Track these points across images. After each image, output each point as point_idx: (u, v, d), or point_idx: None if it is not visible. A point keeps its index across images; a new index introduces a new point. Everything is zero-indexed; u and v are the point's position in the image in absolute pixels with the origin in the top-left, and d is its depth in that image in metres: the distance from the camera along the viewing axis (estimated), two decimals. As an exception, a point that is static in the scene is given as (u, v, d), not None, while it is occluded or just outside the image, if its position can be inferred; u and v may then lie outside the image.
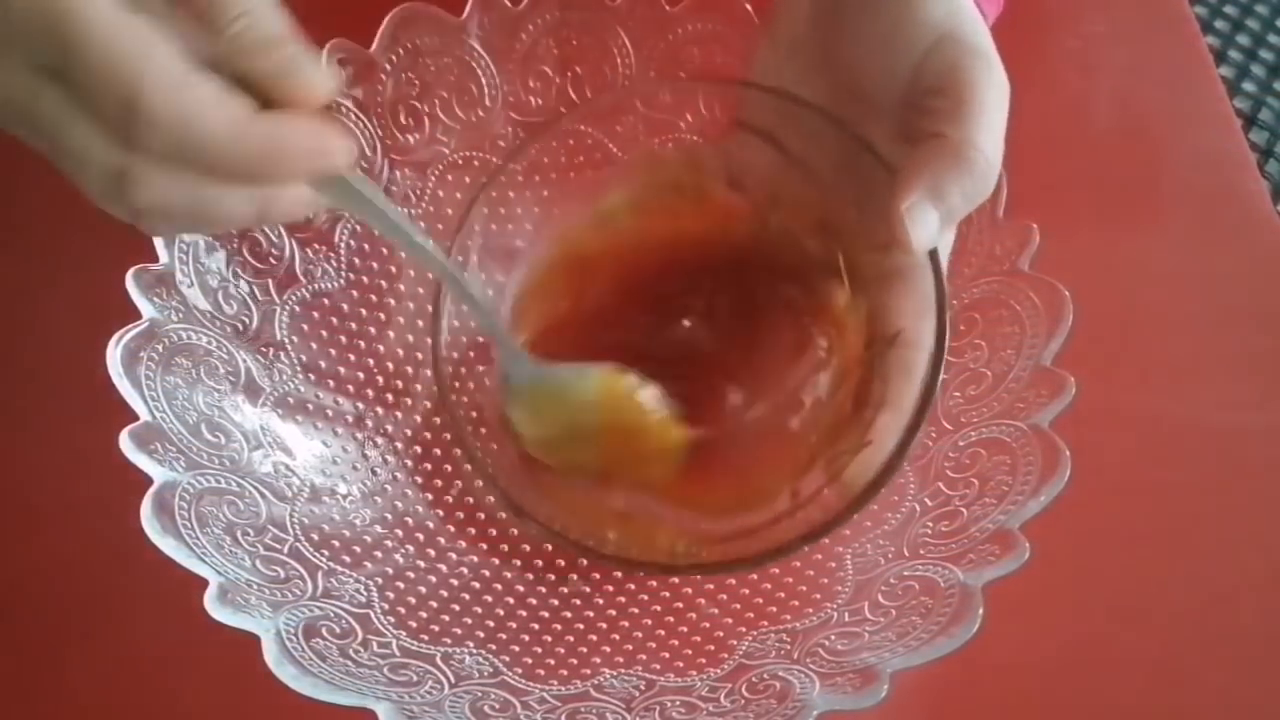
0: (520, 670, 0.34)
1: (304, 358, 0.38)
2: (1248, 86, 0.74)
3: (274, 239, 0.38)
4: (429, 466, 0.39)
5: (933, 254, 0.31)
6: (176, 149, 0.22)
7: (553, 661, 0.34)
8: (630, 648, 0.35)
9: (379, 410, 0.39)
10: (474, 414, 0.35)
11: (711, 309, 0.36)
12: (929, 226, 0.29)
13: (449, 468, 0.39)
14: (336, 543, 0.35)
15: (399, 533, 0.37)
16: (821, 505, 0.32)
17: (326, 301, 0.39)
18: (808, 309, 0.36)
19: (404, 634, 0.33)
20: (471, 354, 0.38)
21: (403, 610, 0.34)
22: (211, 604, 0.28)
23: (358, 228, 0.40)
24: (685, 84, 0.41)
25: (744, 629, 0.35)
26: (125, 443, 0.31)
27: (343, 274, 0.40)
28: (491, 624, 0.35)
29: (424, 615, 0.35)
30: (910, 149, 0.30)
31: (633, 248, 0.38)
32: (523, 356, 0.34)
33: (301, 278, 0.39)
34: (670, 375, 0.35)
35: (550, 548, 0.38)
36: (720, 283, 0.36)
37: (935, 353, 0.30)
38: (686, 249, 0.37)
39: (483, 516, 0.38)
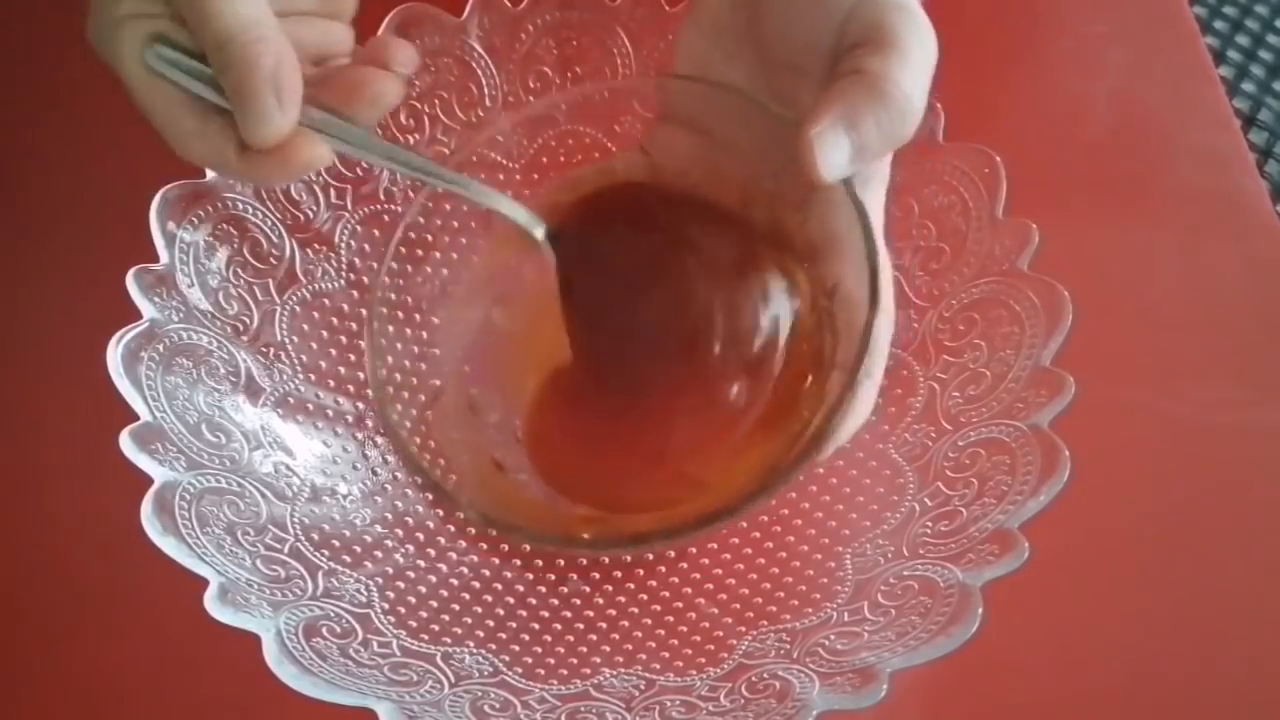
0: (520, 670, 0.34)
1: (304, 358, 0.38)
2: (1247, 86, 0.74)
3: (274, 239, 0.38)
4: (429, 466, 0.39)
5: (853, 194, 0.30)
6: (190, 160, 0.30)
7: (553, 661, 0.34)
8: (630, 648, 0.35)
9: (379, 410, 0.39)
10: (419, 440, 0.34)
11: (654, 297, 0.36)
12: (839, 154, 0.29)
13: (449, 468, 0.39)
14: (337, 542, 0.35)
15: (399, 533, 0.37)
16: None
17: (326, 301, 0.39)
18: (748, 283, 0.36)
19: (404, 634, 0.33)
20: (435, 382, 0.38)
21: (403, 610, 0.34)
22: (211, 604, 0.28)
23: (358, 228, 0.40)
24: (616, 85, 0.41)
25: (744, 629, 0.35)
26: (125, 443, 0.31)
27: (343, 274, 0.40)
28: (491, 624, 0.35)
29: (424, 615, 0.35)
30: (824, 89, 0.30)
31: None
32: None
33: (301, 278, 0.39)
34: (625, 371, 0.35)
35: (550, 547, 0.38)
36: (658, 273, 0.36)
37: (870, 293, 0.29)
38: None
39: (483, 516, 0.38)
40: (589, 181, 0.37)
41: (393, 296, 0.36)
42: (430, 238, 0.39)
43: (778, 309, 0.35)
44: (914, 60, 0.29)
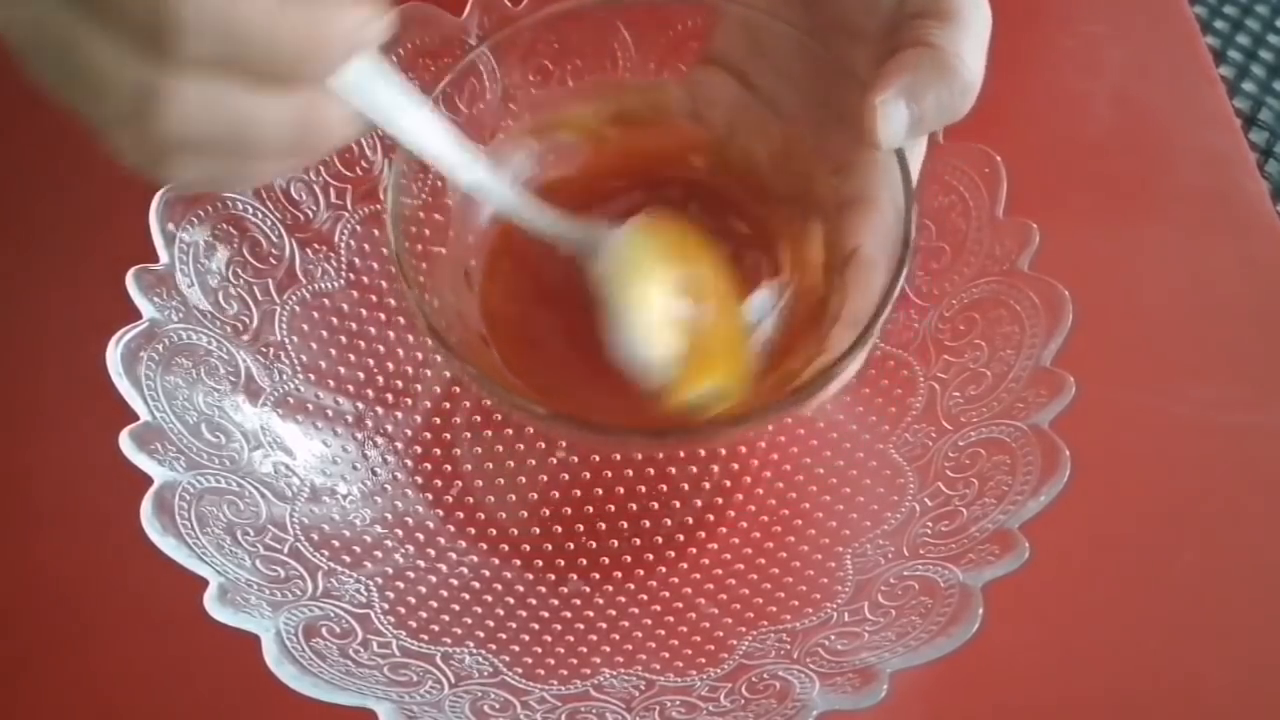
0: (520, 670, 0.34)
1: (304, 358, 0.38)
2: (1248, 86, 0.74)
3: (274, 239, 0.38)
4: (429, 466, 0.39)
5: (903, 160, 0.31)
6: (212, 41, 0.20)
7: (553, 661, 0.34)
8: (630, 648, 0.35)
9: (379, 410, 0.39)
10: (436, 302, 0.33)
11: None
12: (899, 124, 0.29)
13: (449, 468, 0.39)
14: (336, 543, 0.35)
15: (399, 533, 0.37)
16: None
17: (326, 301, 0.39)
18: (764, 235, 0.36)
19: (404, 634, 0.33)
20: (428, 231, 0.36)
21: (403, 610, 0.34)
22: (211, 604, 0.28)
23: (358, 227, 0.40)
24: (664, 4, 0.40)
25: (744, 629, 0.35)
26: (125, 443, 0.31)
27: (343, 274, 0.40)
28: (491, 624, 0.35)
29: (424, 615, 0.35)
30: (890, 58, 0.30)
31: (586, 169, 0.38)
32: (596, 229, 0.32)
33: (301, 278, 0.39)
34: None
35: (550, 547, 0.38)
36: (676, 211, 0.36)
37: (900, 255, 0.30)
38: (641, 176, 0.38)
39: (482, 516, 0.38)
40: (631, 95, 0.38)
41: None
42: (463, 107, 0.37)
43: (775, 269, 0.35)
44: (976, 34, 0.30)
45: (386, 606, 0.34)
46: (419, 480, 0.39)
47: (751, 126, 0.36)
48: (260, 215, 0.38)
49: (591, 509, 0.39)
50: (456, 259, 0.37)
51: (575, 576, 0.37)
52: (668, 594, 0.37)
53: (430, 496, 0.39)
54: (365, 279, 0.40)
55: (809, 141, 0.35)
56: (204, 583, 0.29)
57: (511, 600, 0.36)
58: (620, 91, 0.38)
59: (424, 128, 0.28)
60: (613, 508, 0.39)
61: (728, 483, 0.39)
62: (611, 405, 0.34)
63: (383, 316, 0.41)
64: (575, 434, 0.36)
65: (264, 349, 0.37)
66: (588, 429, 0.30)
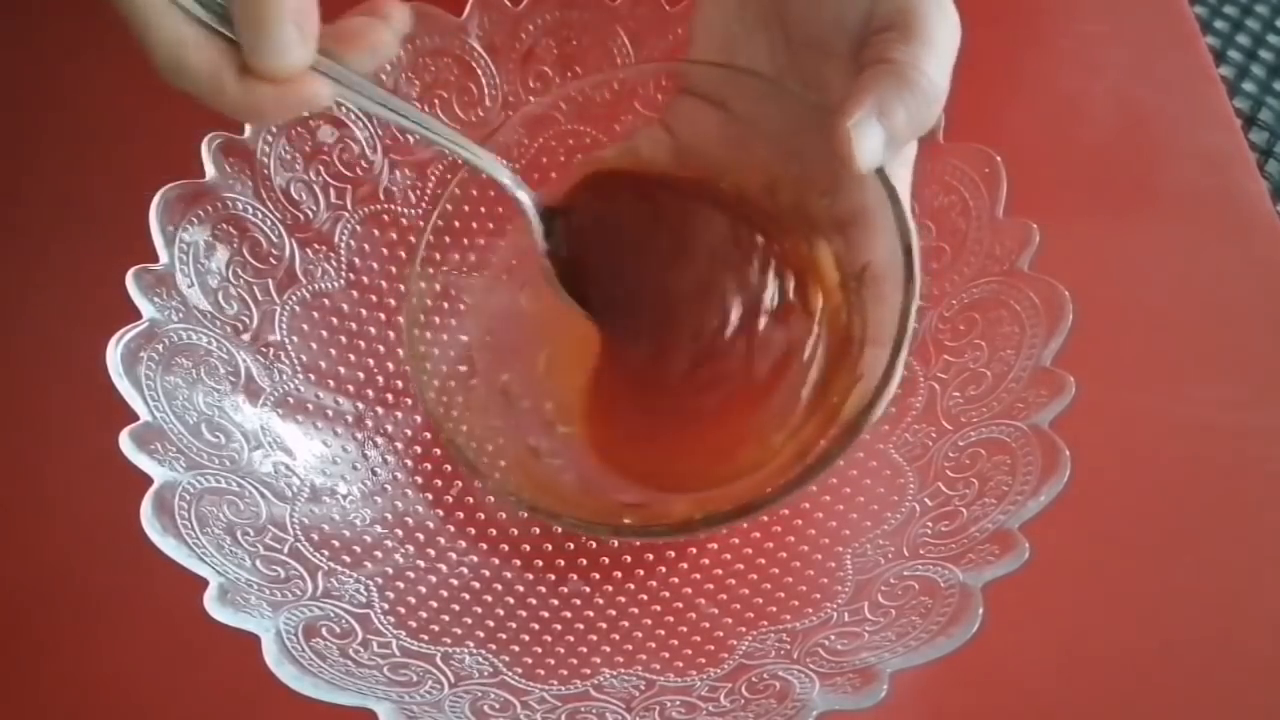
0: (520, 670, 0.34)
1: (304, 358, 0.38)
2: (1248, 86, 0.74)
3: (274, 239, 0.38)
4: (429, 466, 0.39)
5: (883, 175, 0.31)
6: (174, 81, 0.25)
7: (553, 661, 0.34)
8: (630, 648, 0.35)
9: (379, 410, 0.39)
10: (464, 428, 0.35)
11: (679, 283, 0.36)
12: (873, 144, 0.29)
13: (449, 468, 0.39)
14: (336, 543, 0.35)
15: (399, 533, 0.37)
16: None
17: (326, 301, 0.39)
18: (774, 266, 0.36)
19: (404, 634, 0.33)
20: (462, 368, 0.38)
21: (403, 610, 0.34)
22: (211, 604, 0.28)
23: (358, 227, 0.40)
24: (633, 69, 0.41)
25: (744, 629, 0.35)
26: (125, 443, 0.31)
27: (343, 274, 0.40)
28: (491, 624, 0.35)
29: (424, 615, 0.35)
30: (857, 77, 0.30)
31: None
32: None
33: (301, 278, 0.39)
34: (649, 355, 0.35)
35: (550, 547, 0.38)
36: (683, 258, 0.36)
37: (906, 270, 0.30)
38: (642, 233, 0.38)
39: (483, 516, 0.38)
40: (611, 163, 0.37)
41: (423, 285, 0.36)
42: (458, 223, 0.38)
43: (806, 291, 0.35)
44: (939, 47, 0.30)
45: (386, 606, 0.34)
46: (419, 480, 0.39)
47: (740, 155, 0.36)
48: (260, 215, 0.38)
49: (591, 509, 0.39)
50: (487, 377, 0.37)
51: (575, 576, 0.37)
52: (668, 594, 0.37)
53: (430, 496, 0.39)
54: (365, 279, 0.40)
55: (793, 168, 0.35)
56: (204, 583, 0.29)
57: (511, 600, 0.36)
58: (599, 164, 0.38)
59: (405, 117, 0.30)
60: (613, 508, 0.39)
61: (728, 483, 0.39)
62: (698, 472, 0.34)
63: (383, 316, 0.41)
64: (645, 539, 0.37)
65: (264, 349, 0.37)
66: (657, 532, 0.31)
